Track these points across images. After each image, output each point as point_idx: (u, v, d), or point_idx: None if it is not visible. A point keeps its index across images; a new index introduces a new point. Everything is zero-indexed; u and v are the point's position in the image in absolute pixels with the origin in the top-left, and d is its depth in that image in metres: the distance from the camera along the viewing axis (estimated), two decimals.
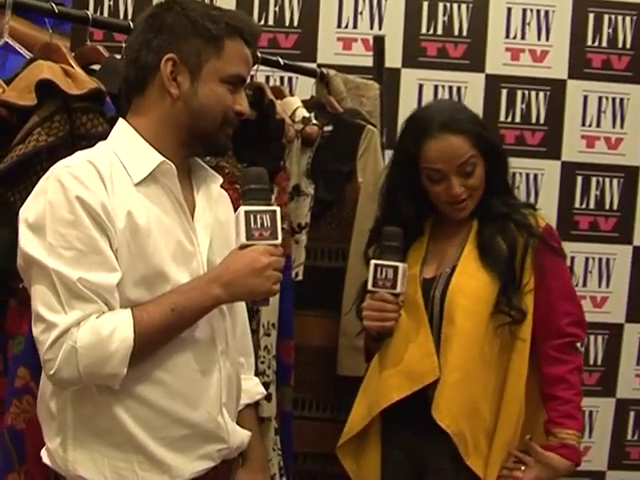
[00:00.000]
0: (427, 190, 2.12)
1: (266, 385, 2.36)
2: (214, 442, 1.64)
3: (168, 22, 1.61)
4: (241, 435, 1.74)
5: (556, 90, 3.71)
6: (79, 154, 1.59)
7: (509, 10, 3.70)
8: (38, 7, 2.01)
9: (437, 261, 2.14)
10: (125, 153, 1.59)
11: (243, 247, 1.56)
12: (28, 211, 1.51)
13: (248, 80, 1.71)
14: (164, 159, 1.59)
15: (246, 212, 1.56)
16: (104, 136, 1.73)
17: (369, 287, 2.05)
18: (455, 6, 3.70)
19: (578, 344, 2.12)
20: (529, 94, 3.72)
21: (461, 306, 2.02)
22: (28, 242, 1.49)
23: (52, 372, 1.46)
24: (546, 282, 2.06)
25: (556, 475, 2.02)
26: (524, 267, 2.05)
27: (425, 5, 3.69)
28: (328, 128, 2.84)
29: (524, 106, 3.72)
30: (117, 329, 1.46)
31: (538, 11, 3.71)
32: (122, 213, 1.51)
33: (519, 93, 3.73)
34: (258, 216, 1.56)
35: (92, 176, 1.51)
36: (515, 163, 3.48)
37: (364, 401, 2.20)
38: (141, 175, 1.57)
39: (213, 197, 1.70)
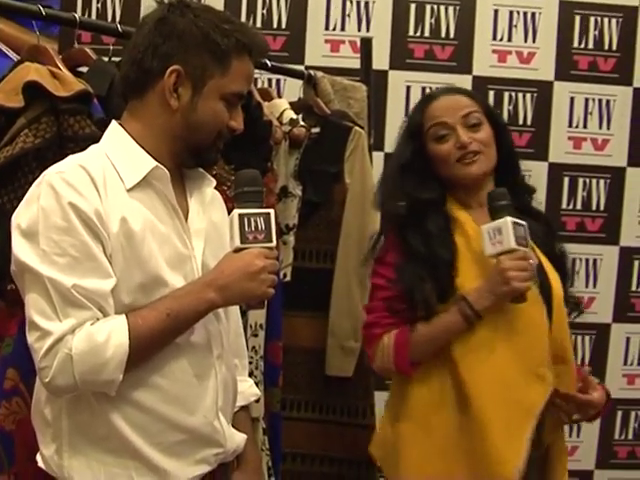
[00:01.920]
0: (436, 158, 2.03)
1: None
2: (211, 446, 1.64)
3: (179, 30, 1.57)
4: (237, 439, 1.74)
5: (543, 92, 3.73)
6: (71, 158, 1.57)
7: (496, 12, 3.73)
8: (25, 9, 2.01)
9: None
10: (118, 157, 1.57)
11: (238, 250, 1.56)
12: (20, 217, 1.49)
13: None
14: (157, 164, 1.57)
15: (240, 215, 1.55)
16: (92, 138, 1.73)
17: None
18: (442, 8, 3.71)
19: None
20: (516, 96, 3.74)
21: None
22: (21, 249, 1.47)
23: (47, 380, 1.45)
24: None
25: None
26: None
27: (412, 7, 3.71)
28: (316, 130, 2.85)
29: (511, 108, 3.74)
30: (112, 335, 1.46)
31: (525, 13, 3.73)
32: (116, 219, 1.50)
33: (506, 95, 3.75)
34: (252, 219, 1.55)
35: (85, 182, 1.50)
36: None
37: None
38: (134, 180, 1.56)
39: (206, 200, 1.69)
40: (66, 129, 1.83)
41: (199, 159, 1.66)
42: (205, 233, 1.65)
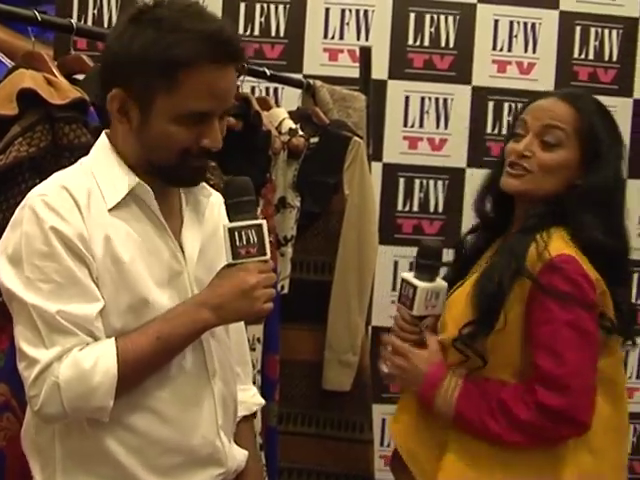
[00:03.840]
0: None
1: None
2: (212, 466, 1.59)
3: (115, 51, 1.47)
4: (239, 456, 1.68)
5: None
6: (55, 178, 1.51)
7: (496, 22, 3.70)
8: (21, 15, 1.96)
9: None
10: (102, 175, 1.51)
11: (230, 266, 1.50)
12: (6, 243, 1.46)
13: (223, 109, 1.50)
14: (139, 181, 1.50)
15: (230, 230, 1.48)
16: (87, 147, 1.67)
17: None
18: (442, 18, 3.69)
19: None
20: (516, 106, 3.70)
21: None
22: (7, 276, 1.44)
23: (37, 408, 1.41)
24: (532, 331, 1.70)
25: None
26: (502, 307, 1.69)
27: (412, 16, 3.68)
28: (314, 140, 2.82)
29: (511, 119, 3.70)
30: (100, 361, 1.41)
31: (525, 23, 3.71)
32: (100, 241, 1.45)
33: (506, 105, 3.72)
34: (243, 232, 1.48)
35: (67, 204, 1.45)
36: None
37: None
38: (115, 199, 1.49)
39: (201, 210, 1.63)
40: (61, 138, 1.78)
41: (170, 180, 1.54)
42: (200, 245, 1.59)
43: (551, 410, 1.63)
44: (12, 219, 1.48)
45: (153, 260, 1.51)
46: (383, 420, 3.66)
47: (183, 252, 1.57)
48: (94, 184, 1.50)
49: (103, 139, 1.57)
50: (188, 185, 1.60)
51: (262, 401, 1.89)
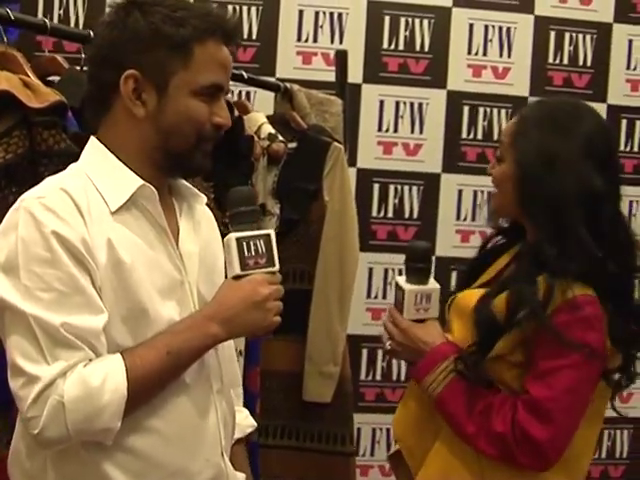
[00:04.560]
0: None
1: None
2: None
3: (127, 31, 1.42)
4: (239, 478, 1.61)
5: (518, 107, 3.64)
6: (50, 181, 1.42)
7: (471, 26, 3.67)
8: None
9: None
10: (100, 177, 1.42)
11: (237, 278, 1.42)
12: None
13: (228, 85, 1.51)
14: (143, 182, 1.42)
15: (238, 239, 1.41)
16: (67, 154, 1.61)
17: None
18: (417, 21, 3.65)
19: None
20: (491, 111, 3.69)
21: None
22: (1, 284, 1.32)
23: (37, 431, 1.29)
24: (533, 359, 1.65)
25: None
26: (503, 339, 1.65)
27: (387, 19, 3.64)
28: (292, 145, 2.75)
29: (486, 123, 3.69)
30: (108, 378, 1.30)
31: (500, 28, 3.69)
32: (103, 247, 1.35)
33: (481, 110, 3.69)
34: (251, 242, 1.41)
35: (68, 207, 1.35)
36: (479, 181, 3.57)
37: None
38: (119, 202, 1.40)
39: (196, 218, 1.56)
40: (39, 144, 1.69)
41: (185, 168, 1.51)
42: (198, 254, 1.51)
43: (526, 435, 1.60)
44: (3, 224, 1.37)
45: (154, 267, 1.43)
46: (358, 429, 3.61)
47: (182, 261, 1.49)
48: (91, 187, 1.41)
49: (95, 142, 1.48)
50: (200, 172, 1.63)
51: (254, 423, 1.82)
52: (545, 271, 1.62)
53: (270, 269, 1.44)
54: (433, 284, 1.78)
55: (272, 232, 1.45)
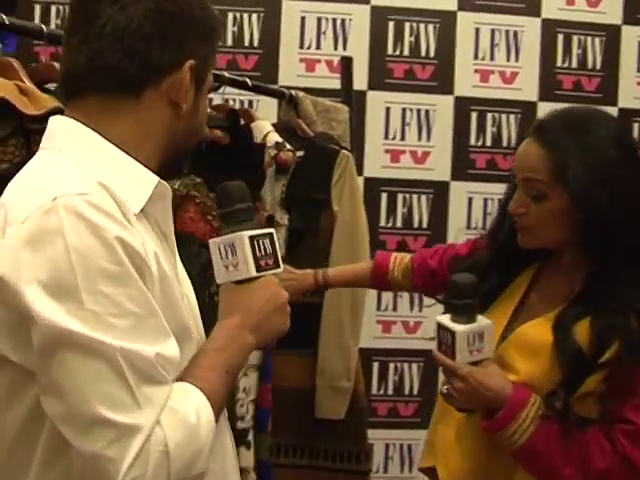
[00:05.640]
0: None
1: (245, 432, 2.16)
2: None
3: (185, 10, 1.20)
4: None
5: (527, 112, 3.61)
6: (76, 173, 1.13)
7: (477, 30, 3.61)
8: None
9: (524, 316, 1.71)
10: (109, 173, 1.15)
11: (248, 281, 1.26)
12: (32, 267, 1.03)
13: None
14: (159, 179, 1.21)
15: (251, 238, 1.25)
16: None
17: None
18: (422, 26, 3.58)
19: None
20: (499, 117, 3.62)
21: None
22: (52, 312, 1.01)
23: None
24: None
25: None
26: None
27: (391, 25, 3.58)
28: (299, 153, 2.66)
29: (495, 129, 3.61)
30: (200, 412, 1.10)
31: (507, 31, 3.62)
32: (152, 254, 1.13)
33: (489, 116, 3.63)
34: (261, 241, 1.27)
35: (114, 207, 1.09)
36: (489, 188, 3.49)
37: None
38: (140, 202, 1.17)
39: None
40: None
41: (174, 170, 1.37)
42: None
43: (634, 466, 1.50)
44: (29, 233, 1.04)
45: (174, 280, 1.25)
46: (370, 445, 3.51)
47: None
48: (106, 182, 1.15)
49: (86, 132, 1.19)
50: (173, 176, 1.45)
51: None
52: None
53: (277, 270, 1.30)
54: (483, 320, 1.60)
55: (274, 231, 1.32)
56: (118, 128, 1.20)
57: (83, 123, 1.19)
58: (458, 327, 1.56)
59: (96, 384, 1.02)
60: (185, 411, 1.08)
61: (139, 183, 1.18)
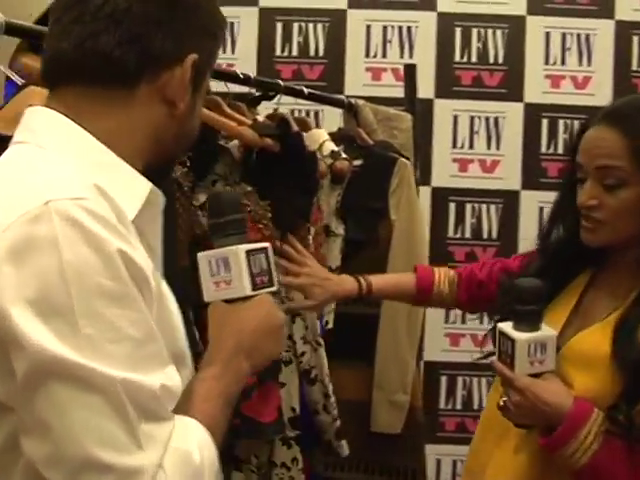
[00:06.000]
0: None
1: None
2: None
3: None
4: None
5: None
6: (66, 175, 0.97)
7: (547, 34, 3.51)
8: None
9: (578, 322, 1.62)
10: (103, 175, 1.01)
11: (239, 301, 1.15)
12: (19, 283, 0.87)
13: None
14: (151, 185, 1.07)
15: (247, 252, 1.15)
16: None
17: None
18: (490, 32, 3.50)
19: None
20: (572, 123, 3.49)
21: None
22: (41, 335, 0.86)
23: None
24: None
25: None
26: None
27: (458, 31, 3.51)
28: (357, 162, 2.63)
29: (567, 136, 3.50)
30: (203, 450, 0.98)
31: (578, 35, 3.51)
32: (150, 270, 0.99)
33: (561, 123, 3.51)
34: (257, 257, 1.16)
35: (112, 214, 0.95)
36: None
37: None
38: (134, 209, 1.02)
39: None
40: None
41: (159, 175, 1.15)
42: None
43: None
44: (13, 243, 0.89)
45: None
46: (438, 461, 3.45)
47: None
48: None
49: (66, 123, 1.03)
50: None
51: None
52: None
53: (272, 289, 1.19)
54: (547, 330, 1.51)
55: (269, 245, 1.20)
56: (104, 123, 1.04)
57: (64, 115, 1.04)
58: (518, 335, 1.48)
59: (89, 421, 0.87)
60: (188, 450, 0.95)
61: (131, 188, 1.04)
